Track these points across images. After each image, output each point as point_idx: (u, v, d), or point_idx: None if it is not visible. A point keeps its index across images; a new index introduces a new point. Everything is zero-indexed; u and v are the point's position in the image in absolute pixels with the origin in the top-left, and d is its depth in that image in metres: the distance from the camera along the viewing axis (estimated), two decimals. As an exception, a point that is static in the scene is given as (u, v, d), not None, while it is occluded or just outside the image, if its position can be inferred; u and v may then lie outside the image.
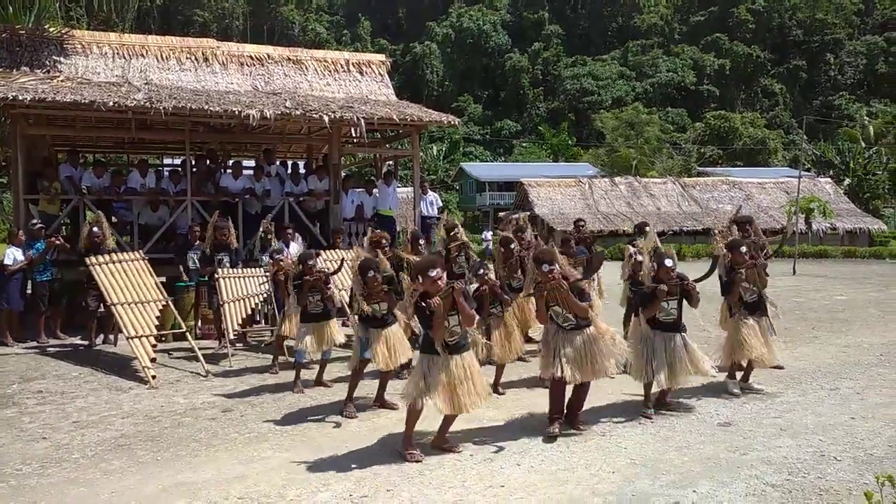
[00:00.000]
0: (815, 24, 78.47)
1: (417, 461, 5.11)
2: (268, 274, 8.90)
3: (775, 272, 17.26)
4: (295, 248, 9.89)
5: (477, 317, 5.32)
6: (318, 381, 7.44)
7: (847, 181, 41.39)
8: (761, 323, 6.98)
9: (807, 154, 42.85)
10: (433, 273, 5.08)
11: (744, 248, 6.86)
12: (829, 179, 39.87)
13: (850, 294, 15.50)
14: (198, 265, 9.78)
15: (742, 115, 65.19)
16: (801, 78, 76.90)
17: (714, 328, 7.76)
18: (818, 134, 62.05)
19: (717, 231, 7.47)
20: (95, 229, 9.48)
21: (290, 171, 13.05)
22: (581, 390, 5.83)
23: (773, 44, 78.51)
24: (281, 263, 8.31)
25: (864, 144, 43.33)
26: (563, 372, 5.56)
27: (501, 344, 6.79)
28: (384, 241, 7.70)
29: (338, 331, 7.24)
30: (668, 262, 6.13)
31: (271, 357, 8.46)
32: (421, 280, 5.10)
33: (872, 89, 73.89)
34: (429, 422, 5.44)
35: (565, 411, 5.83)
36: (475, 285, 6.70)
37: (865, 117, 51.09)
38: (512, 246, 8.12)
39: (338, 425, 6.11)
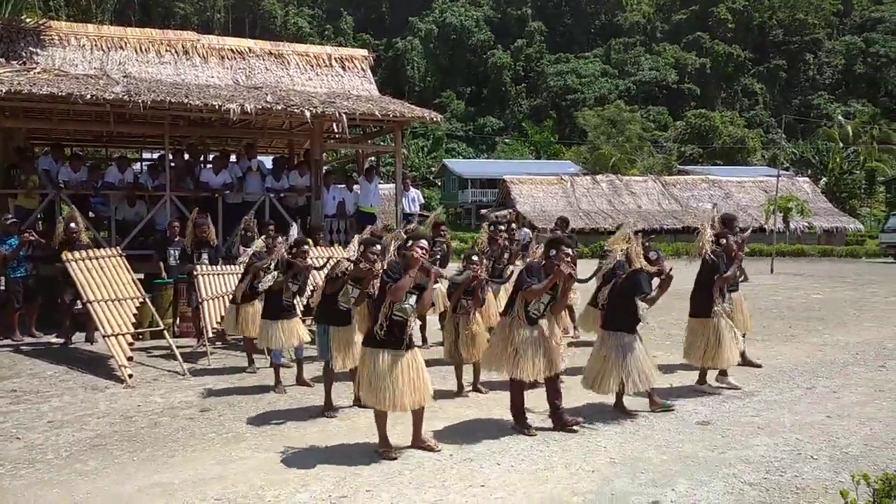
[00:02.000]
0: (794, 24, 79.26)
1: (393, 458, 5.11)
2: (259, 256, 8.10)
3: (752, 270, 17.45)
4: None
5: (430, 301, 5.50)
6: (299, 381, 7.39)
7: (824, 180, 41.90)
8: (728, 312, 7.11)
9: (785, 153, 43.27)
10: (423, 242, 5.30)
11: (732, 238, 7.13)
12: (807, 179, 40.35)
13: (827, 293, 15.68)
14: (178, 262, 9.68)
15: (722, 114, 65.79)
16: (781, 77, 77.67)
17: (679, 330, 7.79)
18: (797, 133, 62.79)
19: (703, 224, 7.45)
20: (72, 224, 9.35)
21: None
22: (553, 383, 5.83)
23: (754, 43, 79.24)
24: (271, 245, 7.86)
25: (841, 144, 43.88)
26: (526, 374, 5.59)
27: (466, 344, 6.77)
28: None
29: (302, 327, 7.26)
30: (653, 255, 6.29)
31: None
32: (410, 245, 5.23)
33: (850, 89, 74.84)
34: (408, 422, 5.42)
35: (550, 409, 5.87)
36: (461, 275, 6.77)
37: (841, 118, 51.69)
38: (501, 228, 8.27)
39: (317, 424, 6.08)
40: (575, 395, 6.43)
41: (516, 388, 5.78)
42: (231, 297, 8.39)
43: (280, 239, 8.05)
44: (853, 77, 75.93)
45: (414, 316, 5.29)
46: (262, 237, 8.65)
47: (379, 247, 6.12)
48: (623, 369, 5.98)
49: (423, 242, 5.32)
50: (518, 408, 5.80)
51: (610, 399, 6.37)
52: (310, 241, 7.94)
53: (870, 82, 74.36)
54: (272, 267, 7.40)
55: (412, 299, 5.22)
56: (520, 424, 5.77)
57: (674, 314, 10.46)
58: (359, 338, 6.23)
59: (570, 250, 5.71)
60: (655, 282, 6.26)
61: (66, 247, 9.07)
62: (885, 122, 57.84)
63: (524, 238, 10.29)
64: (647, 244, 6.57)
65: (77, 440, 5.66)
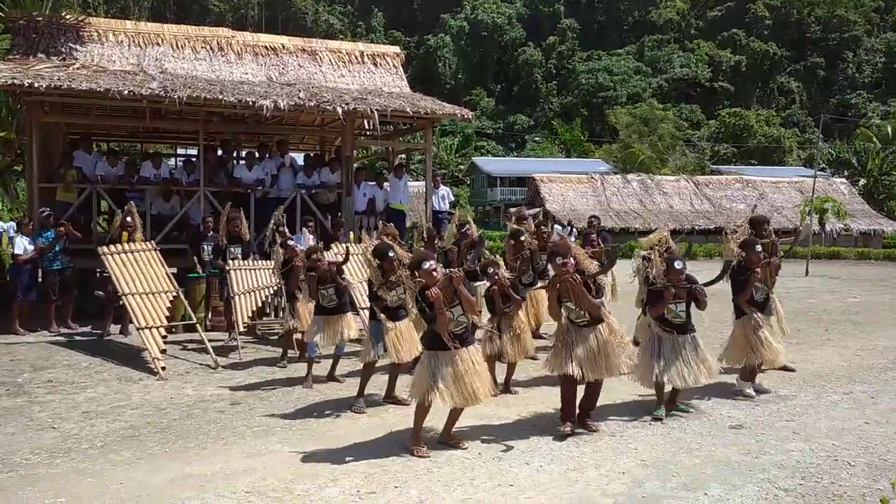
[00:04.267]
0: (833, 20, 77.60)
1: (424, 457, 5.10)
2: (279, 262, 8.21)
3: (788, 273, 17.12)
4: (312, 240, 9.81)
5: (475, 302, 5.32)
6: (331, 376, 7.41)
7: (862, 181, 40.98)
8: (770, 323, 6.96)
9: (822, 153, 42.41)
10: (427, 266, 5.18)
11: (759, 248, 6.80)
12: (843, 180, 39.50)
13: (864, 296, 15.35)
14: (211, 256, 9.79)
15: (757, 113, 64.65)
16: (819, 76, 76.11)
17: (727, 329, 7.65)
18: (834, 133, 61.51)
19: (728, 232, 7.35)
20: (129, 219, 9.54)
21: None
22: (593, 390, 5.80)
23: (791, 41, 77.70)
24: (296, 250, 7.94)
25: (879, 144, 42.84)
26: (574, 370, 5.53)
27: (511, 342, 6.73)
28: (394, 236, 7.64)
29: (352, 324, 7.21)
30: (678, 265, 6.09)
31: (280, 350, 8.46)
32: (417, 274, 5.17)
33: (891, 88, 73.00)
34: (439, 418, 5.42)
35: (577, 411, 5.80)
36: (486, 283, 6.70)
37: (875, 119, 50.35)
38: (522, 238, 8.12)
39: (347, 419, 6.10)
40: (609, 395, 6.35)
41: (564, 386, 5.69)
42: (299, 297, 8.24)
43: (291, 243, 8.05)
44: (894, 75, 74.07)
45: (469, 320, 5.29)
46: (280, 243, 8.55)
47: (393, 253, 6.04)
48: (668, 364, 5.97)
49: (426, 264, 5.19)
50: (566, 406, 5.69)
51: (639, 399, 6.31)
52: (320, 246, 7.86)
53: (911, 81, 72.58)
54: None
55: (457, 311, 5.22)
56: (564, 421, 5.66)
57: (706, 318, 10.30)
58: (414, 332, 6.26)
59: (566, 259, 5.53)
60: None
61: (120, 239, 9.25)
62: (926, 123, 56.36)
63: (567, 232, 10.14)
64: (672, 253, 6.47)
65: (111, 431, 5.76)
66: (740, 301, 6.85)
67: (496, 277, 6.48)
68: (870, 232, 34.48)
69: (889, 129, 44.87)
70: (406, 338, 6.28)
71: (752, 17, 78.82)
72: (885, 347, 9.40)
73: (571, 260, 5.56)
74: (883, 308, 13.33)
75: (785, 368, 7.82)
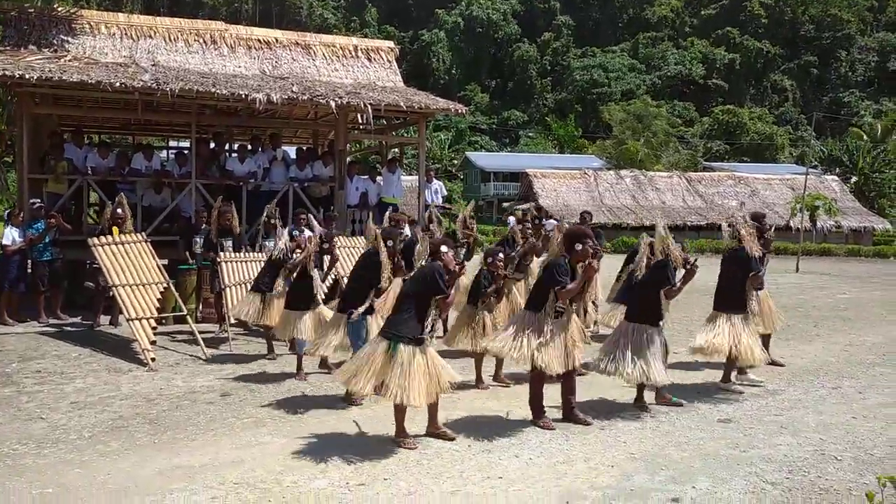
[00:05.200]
0: (827, 19, 77.81)
1: (412, 448, 5.11)
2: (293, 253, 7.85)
3: (778, 269, 17.21)
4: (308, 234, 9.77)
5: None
6: (322, 365, 7.40)
7: (854, 179, 41.15)
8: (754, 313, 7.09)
9: (814, 151, 42.52)
10: (450, 251, 5.42)
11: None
12: (835, 177, 39.65)
13: (854, 293, 15.43)
14: (203, 249, 9.77)
15: (750, 111, 64.83)
16: (812, 74, 76.30)
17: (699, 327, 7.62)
18: (826, 131, 61.74)
19: (732, 223, 7.36)
20: (119, 210, 9.50)
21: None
22: (570, 379, 5.80)
23: (785, 39, 77.85)
24: (298, 239, 7.83)
25: (870, 142, 43.00)
26: (552, 365, 5.54)
27: (478, 334, 6.72)
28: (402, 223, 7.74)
29: (328, 317, 7.20)
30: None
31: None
32: (445, 251, 5.41)
33: (883, 87, 73.27)
34: (424, 411, 5.42)
35: (563, 404, 5.83)
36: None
37: (867, 117, 50.49)
38: (536, 222, 8.34)
39: (336, 412, 6.10)
40: (595, 390, 6.39)
41: (537, 382, 5.74)
42: (255, 286, 8.28)
43: (307, 234, 8.04)
44: (886, 74, 74.30)
45: (436, 315, 5.33)
46: (287, 230, 8.56)
47: (391, 243, 6.18)
48: (642, 361, 5.93)
49: (448, 250, 5.37)
50: (537, 401, 5.77)
51: (628, 393, 6.33)
52: (336, 236, 7.92)
53: (904, 80, 72.79)
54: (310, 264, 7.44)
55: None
56: (538, 417, 5.74)
57: (696, 311, 10.35)
58: None
59: (594, 243, 5.68)
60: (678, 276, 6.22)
61: (111, 233, 9.22)
62: (918, 122, 56.57)
63: (550, 228, 10.26)
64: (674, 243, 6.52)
65: (99, 421, 5.74)
66: (755, 283, 6.85)
67: (497, 263, 6.55)
68: (860, 229, 34.62)
69: (880, 128, 45.06)
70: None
71: (746, 15, 78.92)
72: (873, 343, 9.46)
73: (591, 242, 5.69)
74: (872, 304, 13.41)
75: (774, 363, 7.87)
